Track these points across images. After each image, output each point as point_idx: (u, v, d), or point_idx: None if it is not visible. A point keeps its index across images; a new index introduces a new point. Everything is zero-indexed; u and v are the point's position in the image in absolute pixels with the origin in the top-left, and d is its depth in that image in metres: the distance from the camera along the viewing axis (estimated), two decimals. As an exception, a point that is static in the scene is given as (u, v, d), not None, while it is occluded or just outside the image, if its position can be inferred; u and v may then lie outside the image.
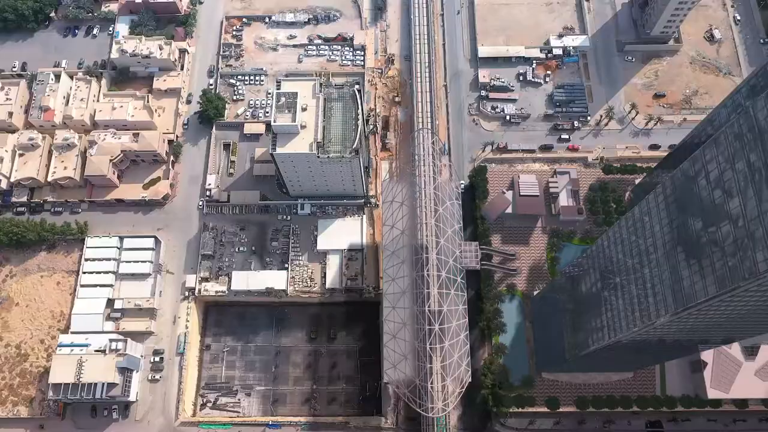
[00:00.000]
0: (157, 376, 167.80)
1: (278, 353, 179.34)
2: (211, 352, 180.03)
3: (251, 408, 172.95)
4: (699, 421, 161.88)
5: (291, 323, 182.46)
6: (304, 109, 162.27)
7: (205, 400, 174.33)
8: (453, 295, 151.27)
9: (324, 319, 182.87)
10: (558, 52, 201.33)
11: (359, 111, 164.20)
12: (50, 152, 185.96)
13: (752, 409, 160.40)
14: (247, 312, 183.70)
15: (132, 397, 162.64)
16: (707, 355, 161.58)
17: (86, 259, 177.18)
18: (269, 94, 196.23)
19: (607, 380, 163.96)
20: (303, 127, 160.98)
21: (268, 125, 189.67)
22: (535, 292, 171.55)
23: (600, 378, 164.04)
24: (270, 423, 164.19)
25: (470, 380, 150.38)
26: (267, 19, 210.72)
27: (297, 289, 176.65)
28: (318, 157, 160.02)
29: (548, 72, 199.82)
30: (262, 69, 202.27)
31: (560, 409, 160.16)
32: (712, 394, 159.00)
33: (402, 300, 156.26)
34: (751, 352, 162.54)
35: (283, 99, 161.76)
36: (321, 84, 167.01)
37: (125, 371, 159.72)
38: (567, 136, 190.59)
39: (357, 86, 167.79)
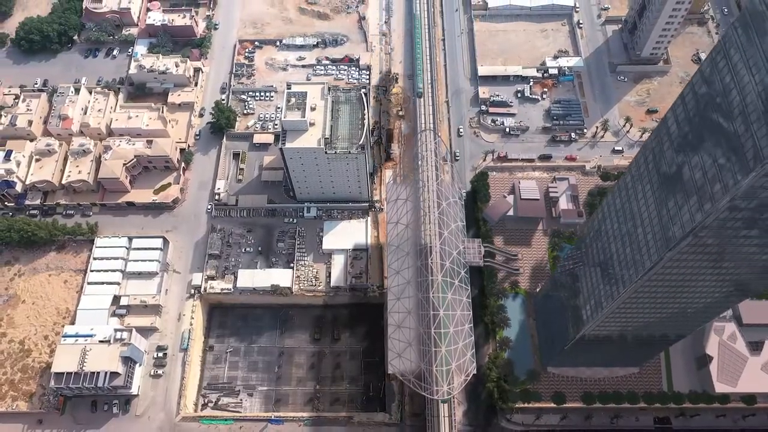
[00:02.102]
0: (160, 372, 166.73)
1: (282, 354, 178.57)
2: (214, 353, 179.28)
3: (253, 408, 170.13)
4: (708, 417, 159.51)
5: (295, 325, 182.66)
6: (313, 109, 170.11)
7: (206, 400, 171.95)
8: (457, 286, 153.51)
9: (328, 321, 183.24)
10: (554, 71, 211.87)
11: (365, 112, 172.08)
12: (66, 158, 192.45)
13: (760, 405, 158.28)
14: (251, 314, 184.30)
15: (134, 390, 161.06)
16: (712, 350, 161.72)
17: (94, 258, 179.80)
18: (278, 108, 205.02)
19: (612, 375, 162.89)
20: (312, 124, 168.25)
21: (276, 136, 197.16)
22: (537, 290, 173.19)
23: (605, 373, 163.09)
24: (272, 418, 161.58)
25: (475, 372, 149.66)
26: (278, 43, 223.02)
27: (302, 287, 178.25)
28: (326, 152, 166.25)
29: (545, 89, 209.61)
30: (272, 86, 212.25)
31: (566, 405, 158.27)
32: (720, 388, 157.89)
33: (406, 290, 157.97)
34: (756, 347, 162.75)
35: (293, 99, 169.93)
36: (329, 88, 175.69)
37: (128, 362, 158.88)
38: (620, 148, 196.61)
39: (363, 90, 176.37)
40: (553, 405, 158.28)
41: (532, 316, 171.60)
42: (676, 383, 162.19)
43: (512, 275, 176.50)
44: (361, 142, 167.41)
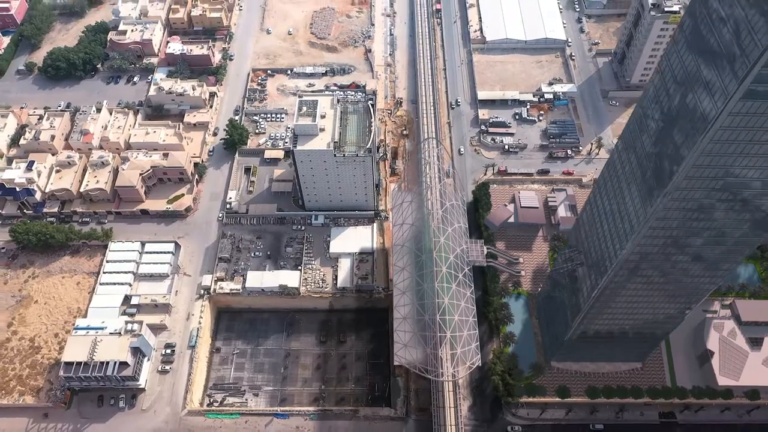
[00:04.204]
0: (167, 368, 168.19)
1: (288, 356, 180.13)
2: (220, 354, 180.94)
3: (258, 408, 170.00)
4: (713, 411, 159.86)
5: (301, 328, 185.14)
6: (323, 117, 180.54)
7: (212, 399, 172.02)
8: (461, 280, 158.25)
9: (333, 325, 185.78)
10: (549, 96, 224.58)
11: (372, 120, 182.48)
12: (85, 169, 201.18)
13: (764, 401, 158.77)
14: (258, 318, 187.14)
15: (141, 383, 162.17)
16: (713, 346, 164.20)
17: (108, 261, 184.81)
18: (289, 128, 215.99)
19: (615, 370, 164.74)
20: (322, 130, 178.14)
21: (287, 152, 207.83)
22: (539, 290, 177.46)
23: (608, 367, 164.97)
24: (278, 412, 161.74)
25: (480, 363, 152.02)
26: (289, 72, 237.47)
27: (309, 289, 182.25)
28: (335, 155, 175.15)
29: (541, 112, 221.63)
30: (283, 109, 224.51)
31: (571, 399, 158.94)
32: (722, 381, 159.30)
33: (412, 284, 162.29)
34: (755, 342, 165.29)
35: (305, 108, 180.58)
36: (338, 99, 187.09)
37: (138, 353, 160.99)
38: None
39: (371, 101, 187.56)
40: (557, 399, 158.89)
41: (535, 315, 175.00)
42: (680, 379, 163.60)
43: (514, 277, 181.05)
44: (368, 146, 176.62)
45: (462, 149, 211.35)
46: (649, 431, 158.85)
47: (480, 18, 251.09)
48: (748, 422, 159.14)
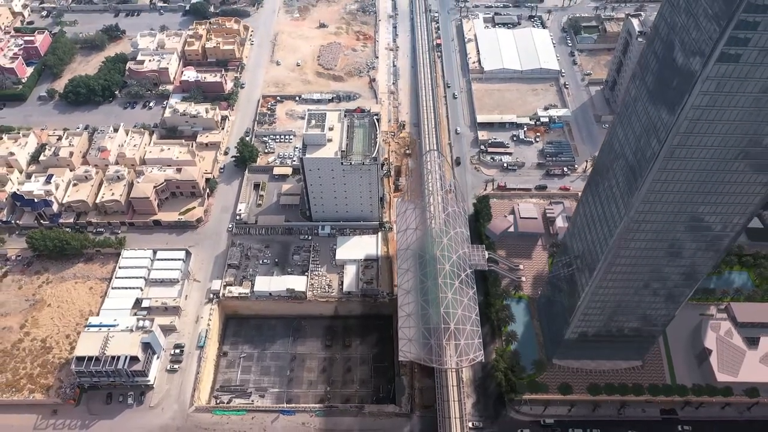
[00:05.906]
0: (176, 367, 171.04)
1: (294, 359, 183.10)
2: (227, 358, 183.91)
3: (265, 405, 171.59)
4: (713, 408, 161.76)
5: (307, 334, 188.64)
6: (330, 129, 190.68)
7: (218, 401, 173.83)
8: (463, 279, 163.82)
9: (339, 330, 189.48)
10: (545, 120, 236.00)
11: (377, 133, 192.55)
12: (101, 183, 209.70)
13: (763, 399, 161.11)
14: (265, 324, 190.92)
15: (151, 380, 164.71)
16: (711, 344, 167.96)
17: (120, 267, 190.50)
18: (297, 148, 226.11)
19: (616, 367, 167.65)
20: (329, 140, 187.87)
21: (295, 169, 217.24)
22: (539, 293, 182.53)
23: (609, 365, 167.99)
24: (284, 410, 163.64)
25: (483, 359, 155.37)
26: (297, 98, 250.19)
27: (315, 293, 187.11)
28: (341, 163, 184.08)
29: (538, 134, 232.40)
30: (291, 131, 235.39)
31: (573, 396, 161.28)
32: (721, 378, 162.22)
33: (416, 283, 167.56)
34: (752, 341, 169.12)
35: (313, 120, 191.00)
36: (345, 114, 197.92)
37: (148, 349, 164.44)
38: None
39: (376, 116, 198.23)
40: (560, 396, 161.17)
41: (536, 318, 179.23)
42: (679, 377, 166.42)
43: (515, 282, 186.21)
44: (373, 155, 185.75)
45: (458, 129, 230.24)
46: (652, 427, 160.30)
47: (478, 51, 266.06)
48: (749, 419, 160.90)
